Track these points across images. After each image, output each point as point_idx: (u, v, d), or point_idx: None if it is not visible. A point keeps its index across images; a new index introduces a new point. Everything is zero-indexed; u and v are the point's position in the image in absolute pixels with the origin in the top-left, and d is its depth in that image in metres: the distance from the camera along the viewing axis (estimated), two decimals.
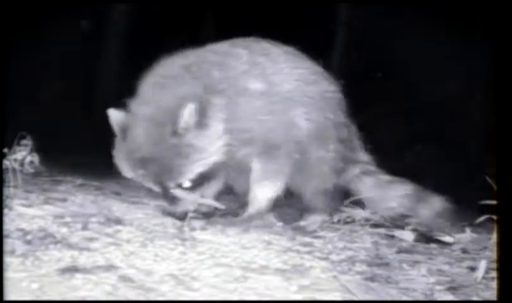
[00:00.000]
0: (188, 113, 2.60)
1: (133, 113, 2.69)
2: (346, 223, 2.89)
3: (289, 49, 3.06)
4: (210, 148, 2.67)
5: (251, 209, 2.85)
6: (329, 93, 3.04)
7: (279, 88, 2.89)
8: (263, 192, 2.85)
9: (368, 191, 3.05)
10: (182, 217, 2.70)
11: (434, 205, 3.04)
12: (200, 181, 2.76)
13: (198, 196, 2.80)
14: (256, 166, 2.84)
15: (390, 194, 3.05)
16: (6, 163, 2.96)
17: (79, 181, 3.54)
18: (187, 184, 2.70)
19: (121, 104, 2.74)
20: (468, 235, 2.81)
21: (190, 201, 2.78)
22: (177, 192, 2.69)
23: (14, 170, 2.98)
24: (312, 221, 2.94)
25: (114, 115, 2.70)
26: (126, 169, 2.72)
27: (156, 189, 2.71)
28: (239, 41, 3.00)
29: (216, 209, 2.90)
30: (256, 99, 2.81)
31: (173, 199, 2.72)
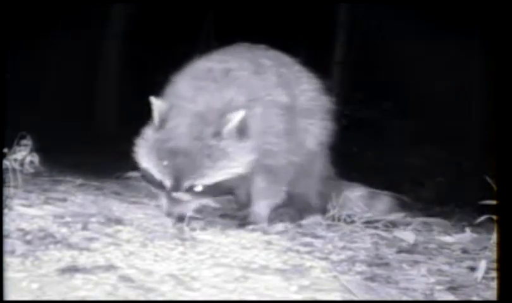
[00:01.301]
0: (237, 119, 2.63)
1: (177, 107, 2.70)
2: (346, 223, 2.89)
3: (295, 60, 3.16)
4: (240, 160, 2.68)
5: (252, 220, 2.88)
6: (330, 102, 3.18)
7: (298, 100, 3.00)
8: (264, 208, 2.91)
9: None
10: (181, 219, 2.66)
11: (385, 202, 3.28)
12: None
13: (199, 203, 2.74)
14: (260, 184, 2.87)
15: (349, 196, 3.24)
16: (6, 163, 2.96)
17: (79, 181, 3.54)
18: (200, 188, 2.66)
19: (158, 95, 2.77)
20: (468, 235, 2.81)
21: (190, 207, 2.71)
22: (180, 195, 2.66)
23: (14, 170, 2.98)
24: (312, 220, 2.95)
25: (157, 104, 2.71)
26: (147, 158, 2.70)
27: (167, 183, 2.65)
28: (258, 50, 3.06)
29: (215, 209, 2.90)
30: (282, 114, 2.85)
31: (174, 201, 2.67)
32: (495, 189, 2.10)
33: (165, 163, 2.64)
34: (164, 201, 2.68)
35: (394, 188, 3.32)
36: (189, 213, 2.67)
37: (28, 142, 3.02)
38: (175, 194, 2.65)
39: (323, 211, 3.09)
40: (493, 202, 2.16)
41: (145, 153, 2.72)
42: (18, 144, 3.01)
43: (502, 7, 2.21)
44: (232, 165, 2.66)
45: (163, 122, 2.69)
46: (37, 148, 3.03)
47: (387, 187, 3.34)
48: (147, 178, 2.74)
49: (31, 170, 3.06)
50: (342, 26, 7.14)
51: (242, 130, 2.67)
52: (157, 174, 2.67)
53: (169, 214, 2.66)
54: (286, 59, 3.13)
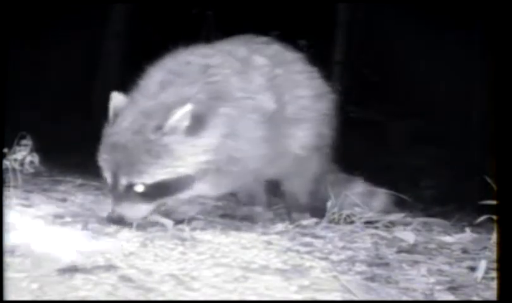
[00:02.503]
0: (181, 113, 2.49)
1: (132, 101, 2.61)
2: (346, 222, 2.89)
3: (300, 56, 3.02)
4: (187, 159, 2.53)
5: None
6: (328, 110, 3.06)
7: (288, 108, 2.85)
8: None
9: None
10: (121, 222, 2.53)
11: (382, 200, 3.22)
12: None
13: (150, 207, 2.58)
14: (204, 185, 2.67)
15: (348, 193, 3.12)
16: (6, 163, 2.96)
17: (79, 181, 3.54)
18: (140, 188, 2.51)
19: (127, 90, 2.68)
20: (468, 235, 2.80)
21: (137, 212, 2.56)
22: (123, 195, 2.51)
23: (14, 170, 2.98)
24: (311, 220, 2.95)
25: (115, 99, 2.62)
26: (99, 153, 2.60)
27: (108, 180, 2.56)
28: (257, 45, 2.92)
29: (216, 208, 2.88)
30: (262, 121, 2.71)
31: (118, 201, 2.53)
32: (495, 189, 2.10)
33: (105, 156, 2.55)
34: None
35: (394, 188, 3.32)
36: (135, 218, 2.52)
37: (28, 142, 3.03)
38: (116, 193, 2.52)
39: (316, 210, 3.04)
40: (493, 202, 2.15)
41: (98, 150, 2.62)
42: (18, 144, 3.01)
43: (502, 7, 2.21)
44: (176, 164, 2.51)
45: (116, 117, 2.59)
46: (37, 148, 3.03)
47: (387, 187, 3.34)
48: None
49: (31, 170, 3.06)
50: (342, 26, 7.14)
51: (194, 128, 2.51)
52: (103, 170, 2.58)
53: (110, 215, 2.52)
54: (287, 56, 2.98)
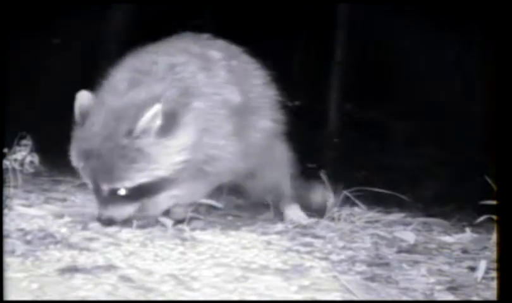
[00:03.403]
0: (151, 115, 2.44)
1: (99, 101, 2.55)
2: (346, 222, 2.89)
3: (242, 49, 2.99)
4: (163, 161, 2.50)
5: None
6: (277, 96, 3.02)
7: (250, 96, 2.84)
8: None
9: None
10: (110, 223, 2.53)
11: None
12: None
13: (135, 206, 2.57)
14: (184, 188, 2.66)
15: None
16: (6, 163, 2.96)
17: (79, 181, 3.53)
18: (122, 191, 2.49)
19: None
20: (468, 235, 2.81)
21: (125, 211, 2.55)
22: (108, 198, 2.50)
23: (14, 170, 2.98)
24: (311, 220, 2.95)
25: (81, 98, 2.56)
26: (73, 158, 2.57)
27: (90, 186, 2.55)
28: (204, 41, 2.88)
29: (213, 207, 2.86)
30: (231, 115, 2.69)
31: (104, 203, 2.52)
32: (495, 189, 2.10)
33: (80, 164, 2.52)
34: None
35: (394, 188, 3.32)
36: (123, 218, 2.53)
37: (28, 142, 3.03)
38: (100, 197, 2.51)
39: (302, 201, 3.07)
40: (493, 202, 2.16)
41: (72, 152, 2.59)
42: (18, 144, 3.01)
43: (502, 7, 2.21)
44: (152, 167, 2.47)
45: (83, 118, 2.53)
46: (37, 148, 3.03)
47: (387, 187, 3.33)
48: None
49: (31, 170, 3.06)
50: (342, 26, 7.13)
51: (166, 127, 2.47)
52: (82, 176, 2.57)
53: (99, 218, 2.52)
54: (234, 49, 2.94)
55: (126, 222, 2.56)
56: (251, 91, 2.87)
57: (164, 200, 2.65)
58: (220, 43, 2.92)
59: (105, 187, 2.50)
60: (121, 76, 2.63)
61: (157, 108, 2.44)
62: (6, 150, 2.94)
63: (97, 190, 2.53)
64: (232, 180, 2.91)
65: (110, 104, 2.52)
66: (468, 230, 2.85)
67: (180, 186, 2.62)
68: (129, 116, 2.45)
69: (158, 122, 2.45)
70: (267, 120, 2.93)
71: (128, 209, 2.56)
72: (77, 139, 2.55)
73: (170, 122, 2.48)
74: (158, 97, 2.48)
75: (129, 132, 2.44)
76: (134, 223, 2.54)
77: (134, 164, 2.46)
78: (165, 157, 2.50)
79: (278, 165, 3.06)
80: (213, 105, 2.65)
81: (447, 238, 2.78)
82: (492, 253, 2.34)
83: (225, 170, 2.72)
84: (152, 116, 2.44)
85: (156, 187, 2.56)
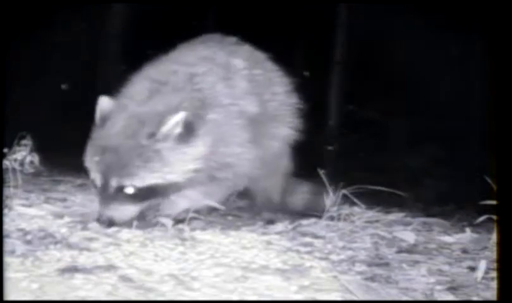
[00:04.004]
0: (174, 121, 2.54)
1: (120, 107, 2.63)
2: (346, 221, 2.89)
3: (268, 56, 3.07)
4: (177, 166, 2.57)
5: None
6: (299, 105, 3.10)
7: (268, 106, 2.91)
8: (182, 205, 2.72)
9: None
10: (111, 224, 2.54)
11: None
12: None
13: (137, 209, 2.60)
14: (192, 194, 2.71)
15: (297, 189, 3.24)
16: (6, 163, 2.96)
17: (79, 181, 3.54)
18: (130, 190, 2.53)
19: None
20: (468, 235, 2.81)
21: (125, 213, 2.57)
22: (112, 196, 2.53)
23: (14, 170, 2.98)
24: (311, 219, 2.96)
25: (102, 102, 2.64)
26: (87, 156, 2.62)
27: (97, 181, 2.57)
28: (231, 46, 2.95)
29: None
30: (247, 124, 2.76)
31: (106, 203, 2.55)
32: (495, 189, 2.10)
33: (95, 159, 2.56)
34: (97, 204, 2.58)
35: (393, 188, 3.31)
36: (123, 220, 2.55)
37: (28, 142, 3.03)
38: (105, 194, 2.54)
39: (287, 209, 3.11)
40: (493, 202, 2.16)
41: (86, 153, 2.64)
42: (18, 144, 3.01)
43: (502, 7, 2.21)
44: (166, 170, 2.55)
45: (104, 121, 2.62)
46: (37, 148, 3.03)
47: (387, 187, 3.33)
48: (90, 180, 2.64)
49: (31, 170, 3.06)
50: (342, 26, 7.13)
51: (186, 135, 2.56)
52: (91, 172, 2.60)
53: (99, 217, 2.54)
54: (259, 56, 3.02)
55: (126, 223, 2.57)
56: (272, 100, 2.96)
57: (179, 201, 2.70)
58: (246, 49, 3.00)
59: (114, 183, 2.53)
60: (142, 84, 2.73)
61: (181, 115, 2.54)
62: (6, 150, 2.94)
63: (104, 187, 2.55)
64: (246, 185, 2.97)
65: (132, 109, 2.62)
66: (468, 230, 2.85)
67: (196, 189, 2.69)
68: (152, 120, 2.55)
69: (178, 129, 2.54)
70: (287, 127, 3.02)
71: (130, 211, 2.58)
72: (96, 138, 2.63)
73: (188, 132, 2.57)
74: (176, 106, 2.58)
75: (152, 135, 2.53)
76: (134, 223, 2.55)
77: (148, 163, 2.53)
78: (180, 163, 2.58)
79: (276, 172, 3.11)
80: (229, 115, 2.73)
81: (447, 238, 2.78)
82: (492, 253, 2.34)
83: (241, 176, 2.81)
84: (176, 123, 2.53)
85: (163, 191, 2.61)
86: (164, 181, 2.56)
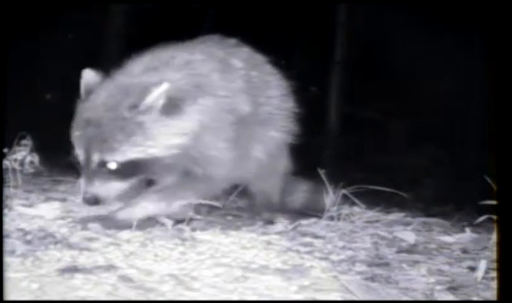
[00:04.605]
0: (158, 92, 2.47)
1: (109, 79, 2.60)
2: (346, 221, 2.89)
3: (267, 59, 3.06)
4: (160, 140, 2.50)
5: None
6: (294, 108, 3.07)
7: (262, 109, 2.89)
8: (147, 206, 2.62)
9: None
10: (96, 202, 2.52)
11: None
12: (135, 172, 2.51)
13: (123, 186, 2.55)
14: (168, 180, 2.65)
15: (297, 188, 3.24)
16: (6, 163, 2.96)
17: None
18: (113, 165, 2.47)
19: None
20: (468, 235, 2.81)
21: (110, 190, 2.52)
22: (95, 171, 2.46)
23: (14, 170, 2.98)
24: (311, 219, 2.96)
25: (87, 75, 2.60)
26: (71, 131, 2.57)
27: (80, 156, 2.52)
28: (230, 48, 2.94)
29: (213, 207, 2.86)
30: (235, 122, 2.71)
31: (90, 179, 2.49)
32: (495, 189, 2.10)
33: (77, 133, 2.51)
34: (81, 181, 2.53)
35: (394, 188, 3.32)
36: (108, 197, 2.51)
37: (28, 142, 3.03)
38: (88, 171, 2.48)
39: (286, 209, 3.10)
40: (493, 202, 2.16)
41: (73, 126, 2.58)
42: (18, 144, 3.01)
43: (502, 7, 2.21)
44: (148, 144, 2.47)
45: (88, 94, 2.57)
46: (37, 148, 3.03)
47: (387, 187, 3.33)
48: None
49: (31, 170, 3.06)
50: (342, 26, 7.14)
51: (170, 109, 2.49)
52: (75, 148, 2.54)
53: (84, 195, 2.49)
54: (257, 58, 3.01)
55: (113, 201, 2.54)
56: (267, 103, 2.92)
57: (139, 208, 2.61)
58: (246, 51, 2.98)
59: (96, 158, 2.48)
60: (138, 64, 2.68)
61: (165, 86, 2.47)
62: (6, 150, 2.94)
63: (87, 162, 2.50)
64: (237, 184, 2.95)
65: (119, 81, 2.57)
66: (468, 230, 2.85)
67: (164, 190, 2.63)
68: (135, 92, 2.49)
69: (162, 101, 2.48)
70: (278, 131, 2.98)
71: (115, 187, 2.53)
72: (79, 112, 2.57)
73: (174, 105, 2.50)
74: (169, 82, 2.51)
75: (134, 106, 2.47)
76: (134, 223, 2.54)
77: (130, 137, 2.46)
78: (164, 136, 2.51)
79: (274, 172, 3.10)
80: (222, 107, 2.68)
81: (447, 238, 2.78)
82: (492, 253, 2.34)
83: (218, 179, 2.72)
84: (159, 94, 2.47)
85: (146, 167, 2.54)
86: (146, 155, 2.49)
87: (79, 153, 2.53)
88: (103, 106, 2.50)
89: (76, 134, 2.53)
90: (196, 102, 2.59)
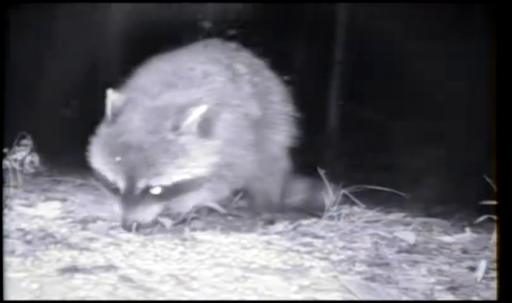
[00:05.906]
0: (197, 113, 2.48)
1: (132, 101, 2.54)
2: (346, 221, 2.89)
3: (264, 63, 3.12)
4: (201, 159, 2.51)
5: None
6: (294, 112, 3.15)
7: (267, 112, 2.96)
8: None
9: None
10: (138, 228, 2.46)
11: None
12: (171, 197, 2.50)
13: (159, 209, 2.51)
14: (197, 195, 2.64)
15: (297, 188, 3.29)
16: (6, 163, 2.96)
17: (79, 181, 3.54)
18: (158, 190, 2.43)
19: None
20: (468, 235, 2.80)
21: (149, 214, 2.48)
22: (137, 198, 2.41)
23: (14, 170, 2.98)
24: (311, 219, 2.97)
25: (112, 96, 2.54)
26: (98, 157, 2.50)
27: (120, 184, 2.43)
28: (232, 52, 2.99)
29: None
30: (251, 126, 2.78)
31: (130, 206, 2.43)
32: (495, 189, 2.10)
33: (117, 159, 2.42)
34: (118, 207, 2.45)
35: (394, 188, 3.31)
36: (147, 221, 2.46)
37: (28, 142, 3.03)
38: (130, 197, 2.41)
39: (287, 208, 3.15)
40: (493, 202, 2.16)
41: (96, 151, 2.52)
42: (18, 144, 3.01)
43: (503, 7, 2.21)
44: (192, 165, 2.47)
45: (116, 116, 2.51)
46: (37, 148, 3.03)
47: (387, 187, 3.33)
48: (101, 181, 2.52)
49: (31, 170, 3.06)
50: (342, 26, 7.13)
51: (205, 128, 2.51)
52: (109, 174, 2.46)
53: (125, 223, 2.42)
54: (257, 63, 3.06)
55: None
56: (269, 108, 3.00)
57: (191, 199, 2.63)
58: (244, 55, 3.03)
59: (142, 184, 2.42)
60: (152, 78, 2.66)
61: (203, 108, 2.49)
62: (6, 150, 2.94)
63: (129, 189, 2.42)
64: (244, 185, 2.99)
65: (146, 103, 2.53)
66: (468, 230, 2.85)
67: (205, 187, 2.64)
68: (173, 113, 2.47)
69: (199, 122, 2.50)
70: (281, 135, 3.07)
71: (154, 211, 2.49)
72: (109, 135, 2.50)
73: (206, 125, 2.53)
74: (197, 101, 2.53)
75: (175, 128, 2.46)
76: (134, 224, 2.51)
77: (176, 159, 2.45)
78: (204, 156, 2.53)
79: (275, 173, 3.14)
80: (237, 116, 2.73)
81: (447, 238, 2.78)
82: (492, 253, 2.34)
83: (240, 177, 2.81)
84: (199, 115, 2.48)
85: (188, 187, 2.54)
86: (191, 176, 2.48)
87: (118, 179, 2.44)
88: (142, 129, 2.45)
89: (112, 160, 2.44)
90: (219, 119, 2.62)
